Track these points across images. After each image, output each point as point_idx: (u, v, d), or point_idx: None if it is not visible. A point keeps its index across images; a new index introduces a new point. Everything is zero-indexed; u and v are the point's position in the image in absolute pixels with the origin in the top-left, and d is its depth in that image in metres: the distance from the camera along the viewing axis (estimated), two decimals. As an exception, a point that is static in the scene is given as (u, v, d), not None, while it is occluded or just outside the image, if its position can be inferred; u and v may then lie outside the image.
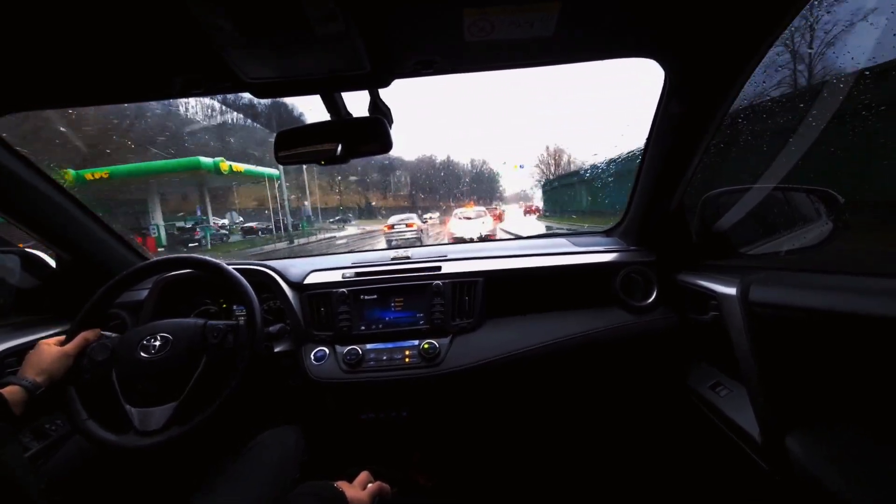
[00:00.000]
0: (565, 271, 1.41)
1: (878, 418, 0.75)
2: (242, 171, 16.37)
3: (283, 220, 19.61)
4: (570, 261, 1.42)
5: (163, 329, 1.01)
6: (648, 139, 1.21)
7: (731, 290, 0.96)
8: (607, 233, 1.65)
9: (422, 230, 12.45)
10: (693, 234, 1.31)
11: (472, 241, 3.62)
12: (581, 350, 1.30)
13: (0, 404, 0.80)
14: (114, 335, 1.06)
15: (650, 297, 1.34)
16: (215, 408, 0.92)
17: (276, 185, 18.86)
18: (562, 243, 1.59)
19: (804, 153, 1.11)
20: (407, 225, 12.14)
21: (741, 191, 1.22)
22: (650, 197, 1.32)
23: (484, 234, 10.22)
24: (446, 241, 4.88)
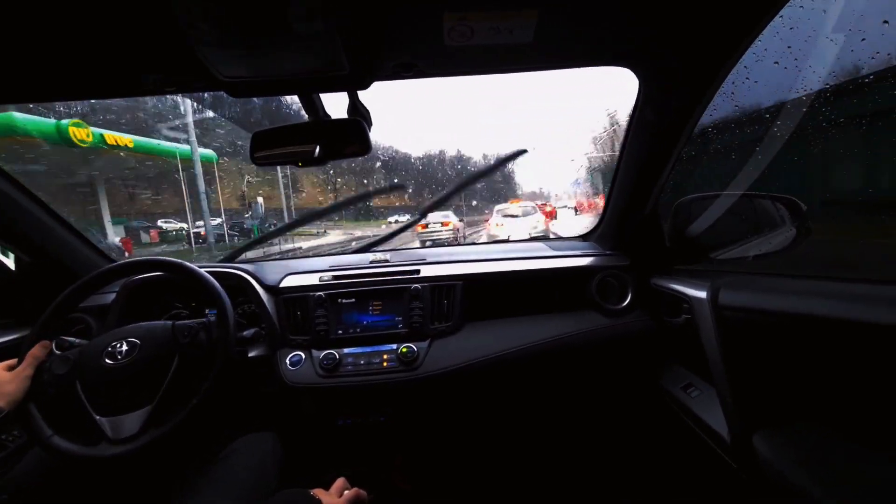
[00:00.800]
0: (542, 275, 1.43)
1: (842, 418, 0.78)
2: (129, 144, 10.89)
3: (208, 223, 13.21)
4: (547, 265, 1.44)
5: (130, 333, 0.97)
6: (623, 145, 1.24)
7: (702, 294, 0.99)
8: (584, 237, 1.68)
9: (458, 230, 11.20)
10: (666, 239, 1.35)
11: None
12: (558, 353, 1.32)
13: None
14: (77, 341, 1.01)
15: (625, 300, 1.37)
16: (192, 407, 0.90)
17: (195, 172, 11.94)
18: (539, 247, 1.61)
19: (770, 162, 1.16)
20: (443, 224, 10.93)
21: (711, 197, 1.26)
22: (625, 202, 1.35)
23: (534, 235, 8.89)
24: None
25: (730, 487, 0.99)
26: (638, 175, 1.25)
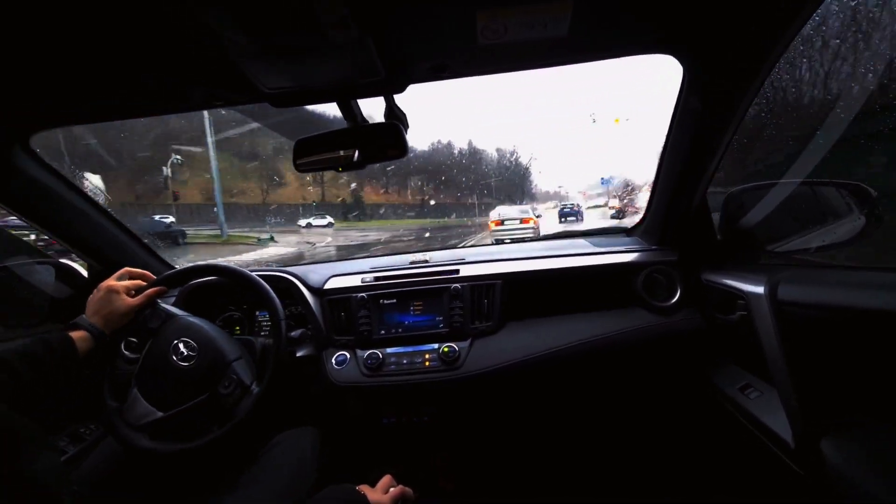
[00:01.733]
0: (585, 272, 1.39)
1: None
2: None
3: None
4: (589, 261, 1.41)
5: (197, 337, 1.04)
6: (668, 136, 1.19)
7: (759, 289, 0.94)
8: (628, 232, 1.63)
9: (537, 227, 10.23)
10: (717, 232, 1.28)
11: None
12: (603, 352, 1.28)
13: (69, 347, 0.85)
14: (170, 308, 1.11)
15: (674, 297, 1.31)
16: (237, 422, 0.96)
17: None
18: (581, 244, 1.57)
19: (832, 147, 1.07)
20: (522, 221, 10.08)
21: (766, 186, 1.18)
22: (671, 195, 1.29)
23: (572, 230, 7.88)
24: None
25: (793, 494, 0.93)
26: (683, 167, 1.20)
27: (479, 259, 1.47)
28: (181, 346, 1.01)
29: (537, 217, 11.58)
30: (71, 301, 1.45)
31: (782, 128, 1.40)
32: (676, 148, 1.19)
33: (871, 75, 1.11)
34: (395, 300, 1.38)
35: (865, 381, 0.79)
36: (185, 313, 1.10)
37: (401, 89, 0.92)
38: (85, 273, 1.48)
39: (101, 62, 0.80)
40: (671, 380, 1.42)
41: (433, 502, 1.47)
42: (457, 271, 1.40)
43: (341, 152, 0.96)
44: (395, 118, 0.96)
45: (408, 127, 0.97)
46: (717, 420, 1.21)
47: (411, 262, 1.53)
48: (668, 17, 0.82)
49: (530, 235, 8.96)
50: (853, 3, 0.85)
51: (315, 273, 1.48)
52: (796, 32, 0.80)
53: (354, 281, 1.43)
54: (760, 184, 1.20)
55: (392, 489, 0.91)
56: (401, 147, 0.94)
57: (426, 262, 1.52)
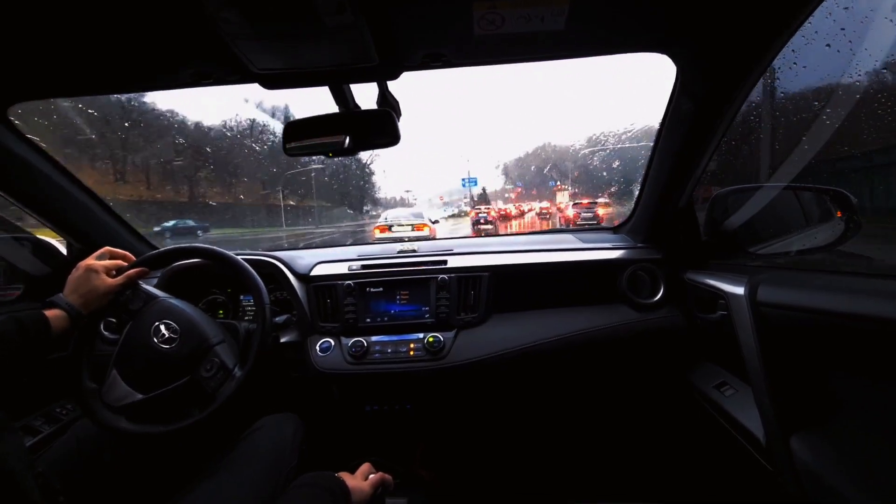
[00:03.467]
0: (572, 267, 1.41)
1: (885, 422, 0.74)
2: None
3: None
4: (576, 257, 1.42)
5: (179, 319, 1.02)
6: (658, 135, 1.20)
7: (740, 290, 0.96)
8: (615, 229, 1.64)
9: (434, 234, 9.94)
10: (702, 233, 1.30)
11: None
12: (586, 346, 1.30)
13: (42, 326, 0.82)
14: (151, 289, 1.08)
15: (657, 294, 1.34)
16: (218, 405, 0.95)
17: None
18: (569, 239, 1.58)
19: (817, 153, 1.09)
20: (415, 227, 9.83)
21: (752, 189, 1.21)
22: (659, 194, 1.31)
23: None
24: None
25: (764, 489, 0.96)
26: (672, 166, 1.21)
27: (467, 250, 1.47)
28: (162, 328, 0.99)
29: (434, 223, 11.32)
30: (49, 279, 1.42)
31: (770, 132, 1.42)
32: (666, 147, 1.20)
33: (857, 83, 1.13)
34: (381, 288, 1.38)
35: (837, 382, 0.81)
36: (167, 295, 1.08)
37: (394, 76, 0.91)
38: (64, 251, 1.45)
39: (84, 32, 0.77)
40: (651, 376, 1.45)
41: (412, 490, 1.49)
42: (445, 262, 1.40)
43: (332, 138, 0.95)
44: (388, 105, 0.95)
45: (400, 115, 0.96)
46: (693, 416, 1.24)
47: (399, 252, 1.53)
48: (664, 17, 0.82)
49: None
50: (844, 10, 0.86)
51: (302, 259, 1.46)
52: (789, 38, 0.81)
53: (341, 268, 1.42)
54: (746, 186, 1.22)
55: (372, 476, 0.91)
56: (392, 135, 0.93)
57: (414, 251, 1.52)
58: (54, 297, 0.89)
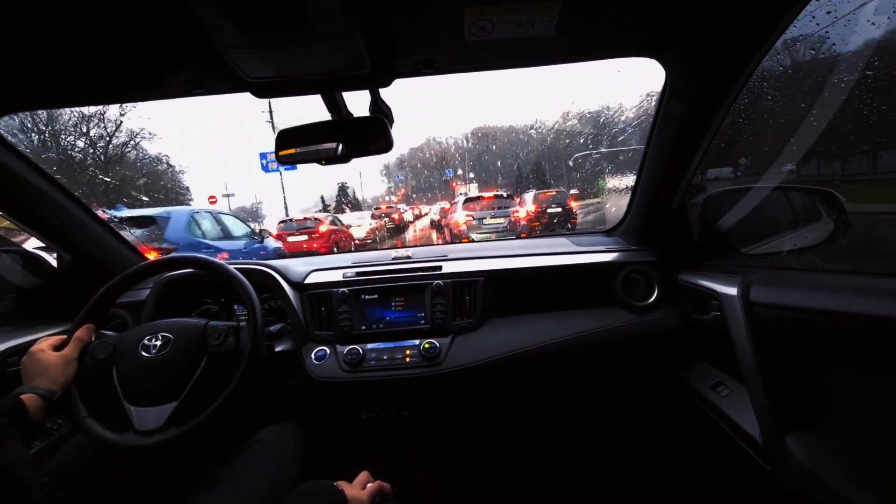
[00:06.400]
0: (566, 271, 1.41)
1: (879, 418, 0.75)
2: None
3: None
4: (570, 260, 1.42)
5: (164, 329, 1.00)
6: (649, 138, 1.21)
7: (733, 290, 0.96)
8: (608, 232, 1.65)
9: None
10: (695, 234, 1.31)
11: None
12: (581, 349, 1.30)
13: (20, 411, 0.78)
14: (114, 334, 1.06)
15: (651, 296, 1.34)
16: (212, 410, 0.92)
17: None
18: (563, 243, 1.59)
19: (805, 153, 1.11)
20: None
21: (743, 190, 1.22)
22: (651, 197, 1.32)
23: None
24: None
25: (761, 489, 0.96)
26: (664, 169, 1.22)
27: (461, 256, 1.47)
28: (148, 342, 0.97)
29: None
30: (39, 292, 1.40)
31: (758, 134, 1.44)
32: (657, 150, 1.21)
33: (843, 84, 1.15)
34: (376, 295, 1.37)
35: (831, 381, 0.82)
36: (131, 326, 1.04)
37: (387, 83, 0.91)
38: (55, 263, 1.43)
39: (75, 42, 0.77)
40: (647, 377, 1.45)
41: (410, 497, 1.48)
42: (439, 268, 1.40)
43: (324, 145, 0.95)
44: (381, 112, 0.95)
45: (393, 122, 0.96)
46: (689, 417, 1.25)
47: (394, 258, 1.52)
48: (653, 22, 0.83)
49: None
50: (829, 13, 0.88)
51: (296, 267, 1.45)
52: (776, 40, 0.82)
53: (336, 276, 1.42)
54: (737, 188, 1.23)
55: (370, 484, 0.90)
56: (385, 141, 0.93)
57: (409, 257, 1.51)
58: (18, 389, 0.84)
